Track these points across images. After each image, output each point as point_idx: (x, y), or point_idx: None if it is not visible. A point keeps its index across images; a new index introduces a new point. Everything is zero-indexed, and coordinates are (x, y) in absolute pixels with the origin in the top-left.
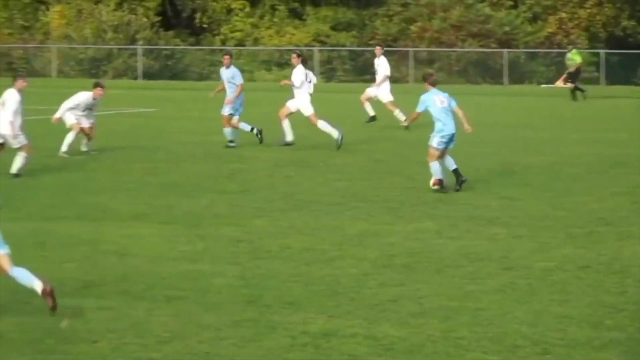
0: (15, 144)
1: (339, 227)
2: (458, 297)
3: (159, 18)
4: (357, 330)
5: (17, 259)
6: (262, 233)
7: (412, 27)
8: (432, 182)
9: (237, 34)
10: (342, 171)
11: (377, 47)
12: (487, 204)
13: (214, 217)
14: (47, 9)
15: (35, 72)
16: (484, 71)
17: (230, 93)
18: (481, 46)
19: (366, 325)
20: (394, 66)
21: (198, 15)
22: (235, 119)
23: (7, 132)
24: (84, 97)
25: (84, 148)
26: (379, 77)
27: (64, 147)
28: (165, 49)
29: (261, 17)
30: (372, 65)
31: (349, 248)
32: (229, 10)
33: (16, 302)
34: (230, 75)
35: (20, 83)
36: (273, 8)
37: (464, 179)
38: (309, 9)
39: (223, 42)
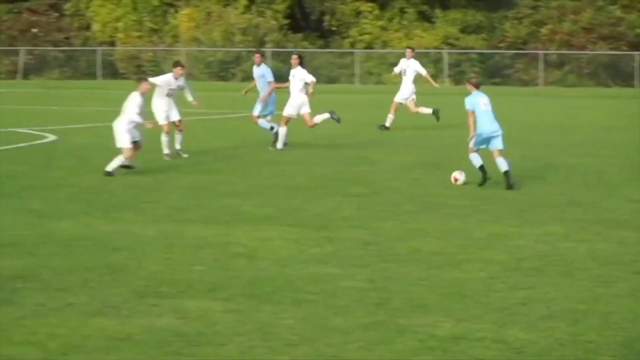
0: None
1: (466, 230)
2: (587, 300)
3: (287, 21)
4: (486, 333)
5: (146, 262)
6: (390, 236)
7: (542, 30)
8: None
9: (366, 37)
10: (470, 174)
11: (408, 50)
12: (616, 207)
13: (342, 219)
14: (176, 12)
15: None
16: (614, 74)
17: (262, 91)
18: (612, 49)
19: (495, 328)
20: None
21: (327, 17)
22: (268, 118)
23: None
24: (165, 77)
25: (177, 146)
26: (406, 78)
27: (165, 150)
28: (294, 52)
29: (390, 19)
30: (501, 68)
31: (477, 251)
32: (358, 13)
33: (144, 304)
34: (260, 74)
35: (144, 86)
36: (402, 11)
37: (512, 182)
38: (438, 12)
39: (352, 45)
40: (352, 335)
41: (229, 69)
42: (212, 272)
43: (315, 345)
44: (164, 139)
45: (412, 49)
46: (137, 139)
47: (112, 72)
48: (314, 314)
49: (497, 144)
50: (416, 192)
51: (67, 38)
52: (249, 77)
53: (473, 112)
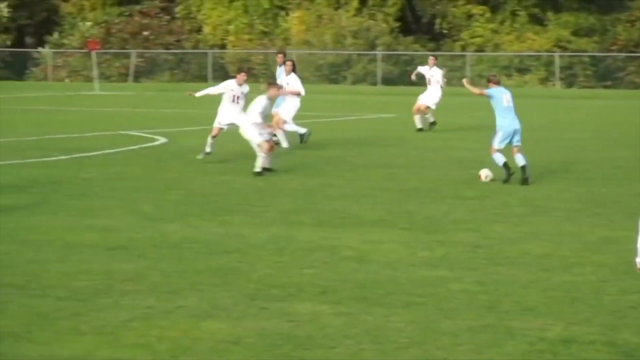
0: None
1: (578, 234)
2: None
3: (398, 24)
4: (597, 337)
5: (256, 265)
6: (501, 239)
7: None
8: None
9: (477, 40)
10: (582, 177)
11: (431, 58)
12: None
13: (452, 222)
14: (287, 15)
15: (275, 78)
16: None
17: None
18: None
19: (606, 332)
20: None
21: (438, 20)
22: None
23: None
24: (228, 84)
25: (208, 149)
26: (432, 87)
27: (208, 148)
28: (405, 55)
29: (501, 22)
30: (613, 71)
31: (588, 254)
32: (469, 16)
33: (254, 307)
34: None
35: (273, 91)
36: (514, 14)
37: (526, 176)
38: (550, 15)
39: (463, 48)
40: (461, 338)
41: (339, 72)
42: (322, 275)
43: (424, 348)
44: (209, 140)
45: (435, 58)
46: (268, 139)
47: (222, 74)
48: (424, 317)
49: (517, 141)
50: (528, 195)
51: (178, 41)
52: (359, 80)
53: (483, 92)
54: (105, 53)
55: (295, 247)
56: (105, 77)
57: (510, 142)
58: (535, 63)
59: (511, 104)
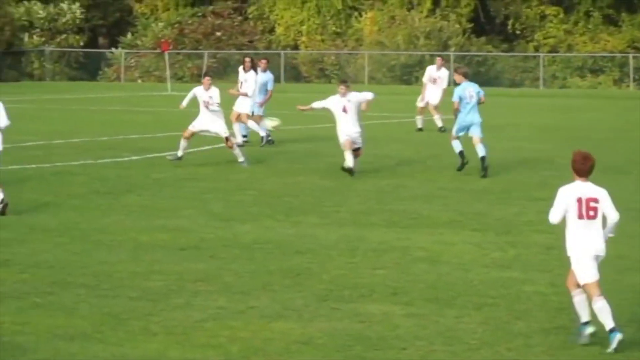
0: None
1: None
2: None
3: (471, 24)
4: None
5: (328, 265)
6: None
7: None
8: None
9: (551, 40)
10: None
11: (438, 59)
12: None
13: (524, 224)
14: (360, 16)
15: (348, 78)
16: None
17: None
18: None
19: None
20: None
21: (510, 21)
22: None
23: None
24: (195, 90)
25: (179, 153)
26: (438, 87)
27: (180, 152)
28: (477, 56)
29: (575, 23)
30: None
31: None
32: (543, 17)
33: (325, 307)
34: (264, 80)
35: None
36: (587, 14)
37: (485, 166)
38: (624, 15)
39: (536, 49)
40: (533, 339)
41: (412, 73)
42: (393, 276)
43: (496, 350)
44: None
45: (442, 58)
46: (357, 146)
47: (295, 75)
48: (496, 318)
49: (476, 132)
50: None
51: (250, 41)
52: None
53: (456, 103)
54: (178, 54)
55: (366, 247)
56: (177, 77)
57: (467, 133)
58: (609, 64)
59: (474, 99)
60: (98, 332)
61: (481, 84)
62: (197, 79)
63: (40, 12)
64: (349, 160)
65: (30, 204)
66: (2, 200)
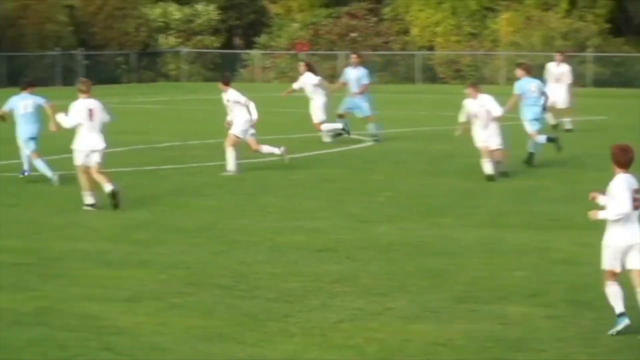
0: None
1: None
2: None
3: (608, 25)
4: None
5: (466, 267)
6: None
7: None
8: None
9: None
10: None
11: (558, 55)
12: None
13: None
14: (496, 17)
15: (484, 80)
16: None
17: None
18: None
19: None
20: None
21: None
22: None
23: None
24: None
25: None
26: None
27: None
28: (617, 57)
29: None
30: None
31: None
32: None
33: (463, 309)
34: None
35: (473, 93)
36: None
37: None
38: None
39: None
40: None
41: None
42: (532, 277)
43: (638, 354)
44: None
45: (562, 53)
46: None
47: (430, 76)
48: (637, 320)
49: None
50: None
51: (386, 42)
52: None
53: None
54: (313, 55)
55: (505, 249)
56: None
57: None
58: None
59: (535, 94)
60: (236, 333)
61: (620, 85)
62: (331, 80)
63: (176, 13)
64: (487, 168)
65: (166, 205)
66: (113, 190)
